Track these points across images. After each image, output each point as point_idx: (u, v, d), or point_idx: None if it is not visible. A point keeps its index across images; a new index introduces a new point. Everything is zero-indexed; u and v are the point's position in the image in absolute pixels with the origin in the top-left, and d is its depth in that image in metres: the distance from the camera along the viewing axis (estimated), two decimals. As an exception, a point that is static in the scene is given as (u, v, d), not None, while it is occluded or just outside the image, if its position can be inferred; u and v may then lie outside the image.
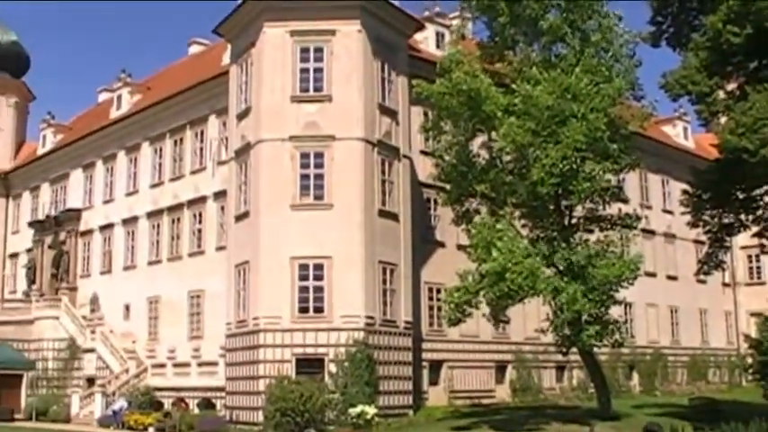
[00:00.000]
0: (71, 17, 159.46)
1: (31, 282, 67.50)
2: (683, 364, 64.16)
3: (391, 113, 43.48)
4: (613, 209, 38.00)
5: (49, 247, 67.03)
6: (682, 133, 71.06)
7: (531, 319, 45.30)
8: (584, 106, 33.27)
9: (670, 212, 63.50)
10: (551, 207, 35.82)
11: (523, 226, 36.96)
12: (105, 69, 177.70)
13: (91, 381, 55.48)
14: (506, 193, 35.67)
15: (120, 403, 47.31)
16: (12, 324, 60.63)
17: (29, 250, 70.10)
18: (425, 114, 44.41)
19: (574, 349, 36.37)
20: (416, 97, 38.74)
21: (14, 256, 73.54)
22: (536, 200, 35.05)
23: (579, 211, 36.94)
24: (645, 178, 63.20)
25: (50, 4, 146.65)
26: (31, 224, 69.86)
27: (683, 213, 40.07)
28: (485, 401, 47.15)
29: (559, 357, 42.05)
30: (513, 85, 34.85)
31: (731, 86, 34.77)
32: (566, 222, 36.34)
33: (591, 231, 37.39)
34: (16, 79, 79.92)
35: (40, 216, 68.81)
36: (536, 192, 33.97)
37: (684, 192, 39.05)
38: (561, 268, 34.00)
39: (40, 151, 72.97)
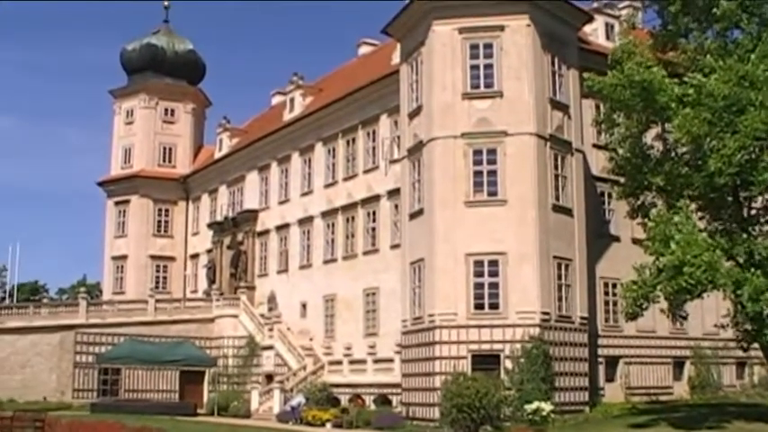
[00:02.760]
0: (243, 23, 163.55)
1: (211, 281, 69.69)
2: None
3: (563, 107, 43.13)
4: (795, 199, 36.77)
5: (228, 247, 69.04)
6: None
7: (709, 313, 44.50)
8: (763, 94, 32.28)
9: None
10: (729, 198, 34.96)
11: (701, 218, 36.09)
12: (278, 73, 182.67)
13: (269, 377, 56.88)
14: (682, 185, 34.86)
15: (298, 399, 48.15)
16: (194, 322, 62.83)
17: (208, 251, 72.50)
18: (597, 107, 43.88)
19: (755, 345, 35.45)
20: (588, 90, 38.41)
21: (195, 256, 76.15)
22: (713, 191, 34.23)
23: (759, 202, 35.92)
24: (828, 167, 60.65)
25: (225, 11, 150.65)
26: (209, 225, 72.26)
27: None
28: (662, 398, 46.30)
29: (740, 353, 40.89)
30: (687, 75, 34.16)
31: None
32: (745, 214, 35.37)
33: (772, 223, 36.39)
34: (193, 86, 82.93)
35: (219, 218, 71.03)
36: (713, 183, 33.16)
37: None
38: (742, 261, 33.14)
39: (217, 155, 75.36)
